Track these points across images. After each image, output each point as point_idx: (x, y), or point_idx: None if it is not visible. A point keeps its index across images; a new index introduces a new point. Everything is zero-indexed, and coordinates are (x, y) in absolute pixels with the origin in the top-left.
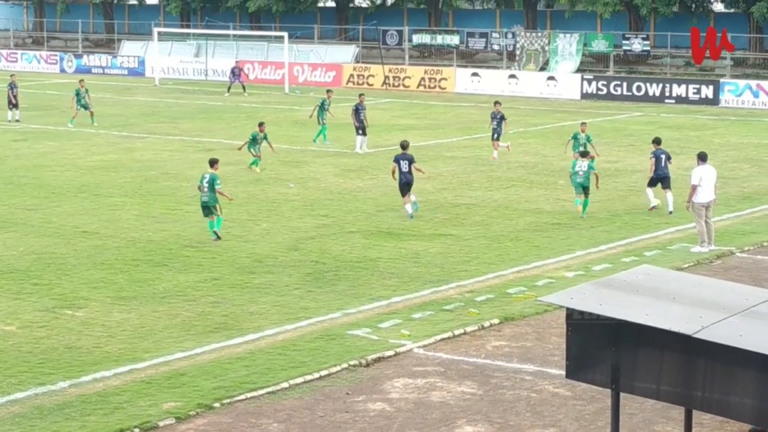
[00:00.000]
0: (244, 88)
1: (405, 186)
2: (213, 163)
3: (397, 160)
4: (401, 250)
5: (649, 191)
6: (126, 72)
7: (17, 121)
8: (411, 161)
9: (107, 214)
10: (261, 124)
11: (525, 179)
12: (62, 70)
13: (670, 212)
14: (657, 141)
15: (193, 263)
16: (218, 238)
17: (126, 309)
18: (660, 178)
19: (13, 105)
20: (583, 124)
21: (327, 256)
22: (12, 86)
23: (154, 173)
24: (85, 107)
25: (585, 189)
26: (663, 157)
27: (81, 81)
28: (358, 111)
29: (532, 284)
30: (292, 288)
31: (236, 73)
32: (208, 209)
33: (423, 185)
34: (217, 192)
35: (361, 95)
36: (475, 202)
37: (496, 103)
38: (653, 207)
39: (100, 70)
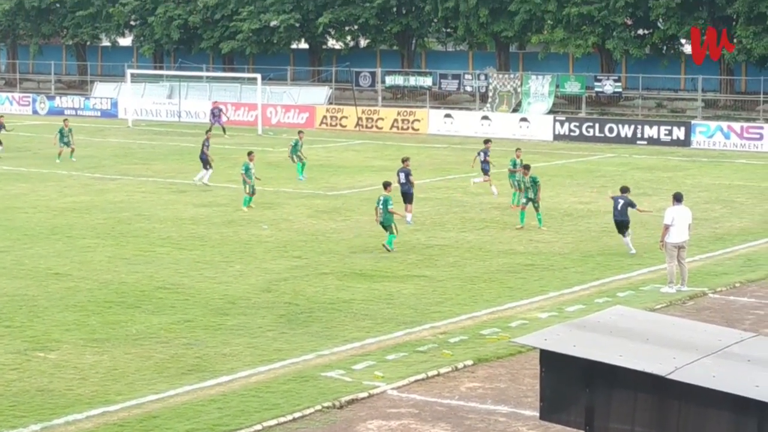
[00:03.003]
0: (224, 130)
1: (403, 196)
2: (386, 185)
3: (397, 173)
4: (375, 292)
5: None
6: (99, 113)
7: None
8: (407, 174)
9: (80, 256)
10: (250, 153)
11: (498, 220)
12: (35, 112)
13: (632, 253)
14: (623, 189)
15: (166, 305)
16: (388, 250)
17: (98, 351)
18: (616, 223)
19: None
20: (518, 150)
21: (300, 298)
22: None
23: (127, 215)
24: (67, 144)
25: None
26: (621, 202)
27: (65, 120)
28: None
29: (506, 325)
30: (265, 329)
31: (216, 113)
32: (384, 228)
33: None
34: (389, 211)
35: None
36: (448, 243)
37: (485, 141)
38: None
39: (73, 112)
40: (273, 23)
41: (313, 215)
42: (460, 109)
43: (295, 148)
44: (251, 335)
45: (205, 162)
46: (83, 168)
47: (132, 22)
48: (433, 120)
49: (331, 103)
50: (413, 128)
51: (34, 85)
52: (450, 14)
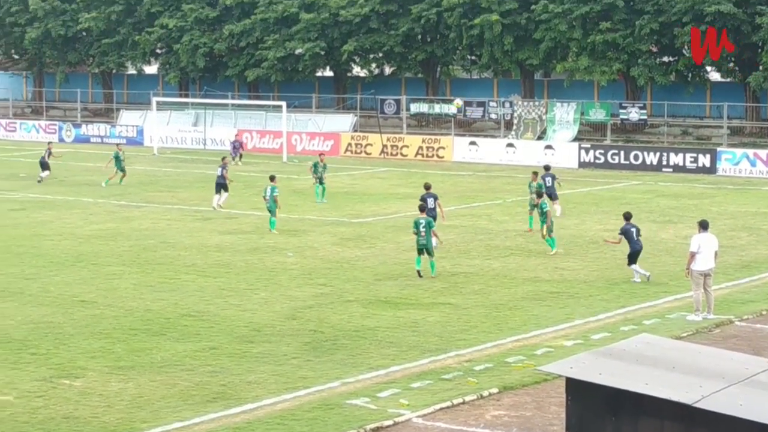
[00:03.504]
0: (240, 157)
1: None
2: (423, 209)
3: (423, 198)
4: (400, 319)
5: (635, 267)
6: (125, 141)
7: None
8: (436, 198)
9: (105, 284)
10: (273, 178)
11: (523, 248)
12: (61, 140)
13: (648, 277)
14: (627, 216)
15: (191, 332)
16: (419, 275)
17: (124, 378)
18: (637, 252)
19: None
20: (534, 173)
21: (325, 325)
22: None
23: (152, 242)
24: (123, 170)
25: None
26: (633, 230)
27: (119, 145)
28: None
29: (531, 353)
30: (290, 357)
31: (236, 146)
32: (427, 251)
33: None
34: (432, 234)
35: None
36: (473, 270)
37: (546, 167)
38: (646, 277)
39: (99, 140)
40: (298, 51)
41: (338, 243)
42: (485, 136)
43: (315, 169)
44: (276, 363)
45: (222, 186)
46: (109, 195)
47: (158, 50)
48: (457, 147)
49: (356, 131)
50: (438, 156)
51: (60, 113)
52: (475, 42)
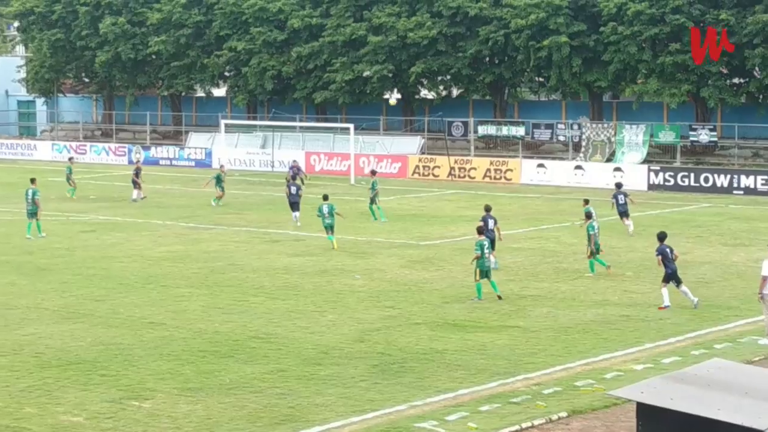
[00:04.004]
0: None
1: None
2: (481, 231)
3: (484, 219)
4: (468, 342)
5: (665, 290)
6: (193, 163)
7: (140, 199)
8: (496, 221)
9: (174, 305)
10: (326, 197)
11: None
12: (130, 162)
13: (695, 305)
14: (661, 236)
15: (260, 354)
16: (500, 298)
17: (192, 400)
18: (674, 273)
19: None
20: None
21: (393, 348)
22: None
23: (220, 264)
24: (223, 190)
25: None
26: (668, 250)
27: (222, 167)
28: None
29: (601, 377)
30: (358, 380)
31: (294, 172)
32: (487, 276)
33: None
34: (486, 256)
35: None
36: (541, 293)
37: (618, 185)
38: (666, 306)
39: (168, 162)
40: (366, 74)
41: (406, 265)
42: (553, 158)
43: (372, 188)
44: (344, 385)
45: (296, 204)
46: (177, 217)
47: (226, 73)
48: (525, 170)
49: (423, 153)
50: (506, 178)
51: (129, 135)
52: (543, 64)
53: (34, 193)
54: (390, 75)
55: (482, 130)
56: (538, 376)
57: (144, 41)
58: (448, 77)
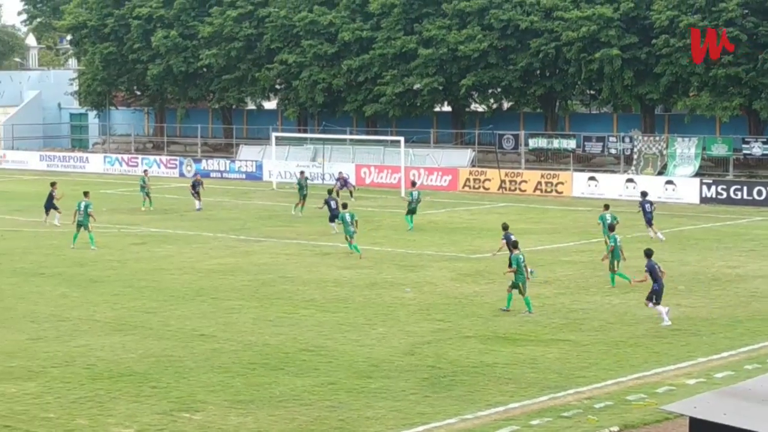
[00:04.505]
0: (351, 193)
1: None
2: (516, 245)
3: (507, 237)
4: (518, 356)
5: (660, 308)
6: (244, 176)
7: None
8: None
9: (224, 318)
10: (345, 206)
11: (644, 285)
12: (181, 174)
13: (665, 324)
14: (648, 253)
15: (310, 367)
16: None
17: (243, 413)
18: (661, 290)
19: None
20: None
21: (443, 361)
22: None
23: (271, 277)
24: (305, 198)
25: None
26: (657, 267)
27: (302, 173)
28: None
29: (653, 391)
30: (408, 393)
31: (341, 183)
32: (521, 287)
33: (540, 290)
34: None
35: None
36: (593, 307)
37: (643, 194)
38: (667, 325)
39: (219, 174)
40: (416, 86)
41: (456, 278)
42: (605, 171)
43: (412, 197)
44: (394, 398)
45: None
46: (228, 230)
47: (277, 86)
48: (577, 183)
49: (474, 166)
50: (557, 191)
51: (180, 148)
52: (594, 76)
53: (86, 206)
54: (440, 88)
55: (533, 142)
56: (590, 390)
57: (195, 54)
58: (499, 90)
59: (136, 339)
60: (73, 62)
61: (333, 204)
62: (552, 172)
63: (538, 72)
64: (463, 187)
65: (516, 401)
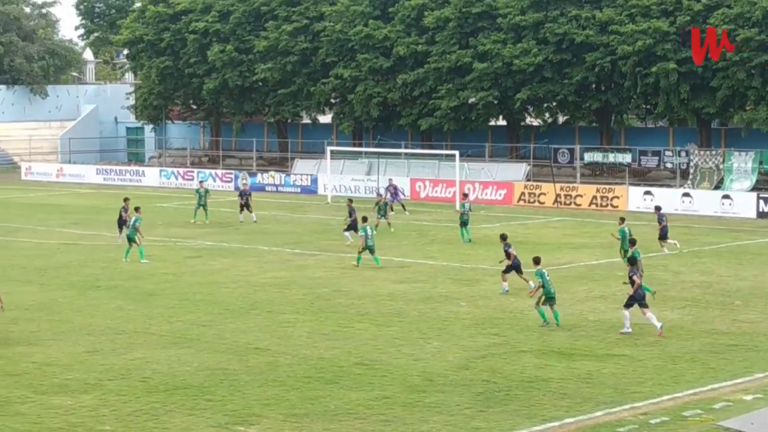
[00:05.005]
0: (403, 206)
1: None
2: (538, 261)
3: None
4: (573, 370)
5: (627, 313)
6: (299, 190)
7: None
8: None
9: (279, 331)
10: (365, 219)
11: (700, 299)
12: (237, 188)
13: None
14: (632, 261)
15: (364, 381)
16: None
17: (298, 426)
18: (643, 297)
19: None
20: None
21: (498, 376)
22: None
23: (325, 290)
24: (384, 216)
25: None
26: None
27: (380, 196)
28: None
29: (709, 407)
30: (463, 407)
31: (392, 191)
32: (552, 300)
33: (595, 304)
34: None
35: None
36: (648, 321)
37: (657, 208)
38: (627, 332)
39: (274, 188)
40: (471, 100)
41: (512, 292)
42: (661, 185)
43: (464, 209)
44: (449, 413)
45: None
46: (283, 244)
47: (332, 100)
48: (632, 197)
49: (529, 180)
50: (612, 205)
51: (236, 161)
52: (650, 90)
53: (135, 221)
54: (495, 102)
55: (588, 156)
56: (645, 406)
57: (251, 68)
58: (554, 104)
59: (192, 352)
60: (129, 76)
61: (354, 215)
62: (607, 187)
63: (594, 86)
64: (518, 201)
65: (571, 416)
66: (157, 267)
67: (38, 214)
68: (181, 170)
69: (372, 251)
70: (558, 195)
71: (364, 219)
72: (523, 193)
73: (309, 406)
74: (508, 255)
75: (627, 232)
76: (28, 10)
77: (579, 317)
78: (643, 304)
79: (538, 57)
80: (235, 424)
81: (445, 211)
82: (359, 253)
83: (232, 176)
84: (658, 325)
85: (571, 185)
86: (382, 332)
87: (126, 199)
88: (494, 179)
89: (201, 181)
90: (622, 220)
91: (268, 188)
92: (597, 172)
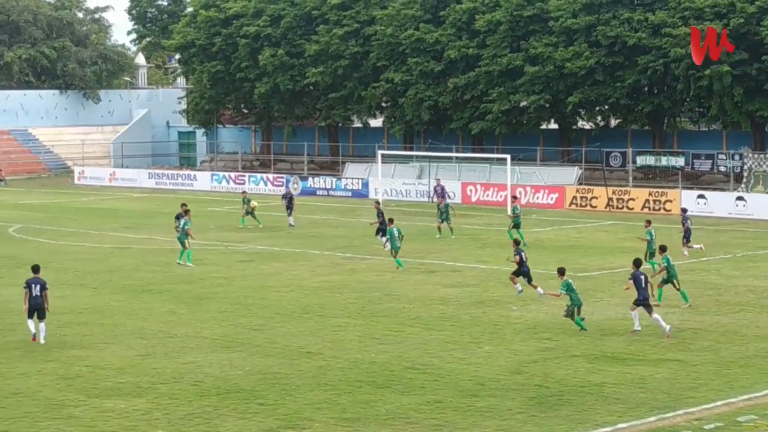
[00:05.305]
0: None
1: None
2: (563, 272)
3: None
4: (626, 375)
5: (635, 314)
6: (350, 194)
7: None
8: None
9: (331, 335)
10: (391, 221)
11: (755, 303)
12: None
13: (668, 332)
14: (637, 263)
15: (416, 385)
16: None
17: (350, 430)
18: (646, 300)
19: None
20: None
21: (551, 380)
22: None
23: (377, 294)
24: (447, 220)
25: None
26: (642, 278)
27: (440, 198)
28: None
29: (764, 413)
30: (515, 412)
31: (439, 192)
32: (579, 308)
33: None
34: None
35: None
36: (702, 326)
37: (683, 210)
38: (636, 330)
39: (325, 192)
40: (523, 104)
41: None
42: (714, 189)
43: (514, 212)
44: (501, 417)
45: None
46: (334, 248)
47: (383, 104)
48: (685, 200)
49: (580, 183)
50: (665, 209)
51: (287, 165)
52: (703, 93)
53: (184, 224)
54: (547, 105)
55: (641, 160)
56: (699, 411)
57: (302, 72)
58: (606, 107)
59: (243, 356)
60: (181, 81)
61: (382, 216)
62: (660, 190)
63: (646, 89)
64: (569, 205)
65: (624, 422)
66: (208, 271)
67: (91, 219)
68: (232, 174)
69: (395, 252)
70: (610, 199)
71: (391, 221)
72: (574, 197)
73: (360, 410)
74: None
75: (653, 234)
76: (81, 15)
77: (632, 322)
78: (647, 306)
79: (590, 60)
80: (287, 428)
81: (497, 215)
82: (395, 257)
83: (284, 180)
84: (667, 327)
85: (623, 189)
86: (433, 336)
87: (183, 205)
88: (546, 183)
89: (244, 192)
90: (649, 222)
91: (319, 192)
92: (649, 176)
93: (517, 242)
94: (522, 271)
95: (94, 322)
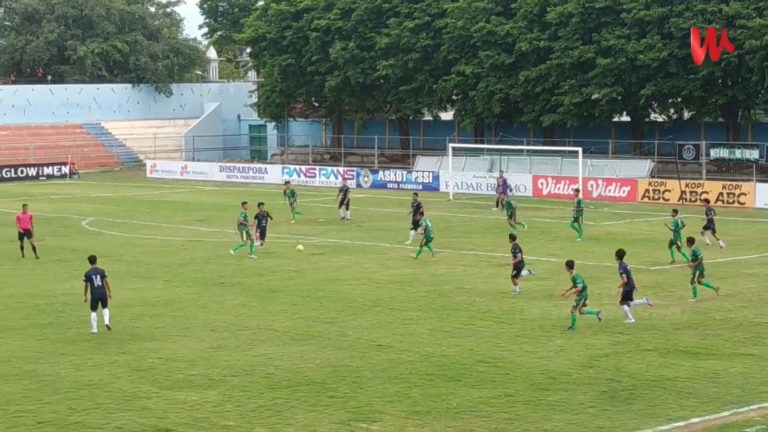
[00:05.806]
0: (497, 203)
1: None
2: (571, 265)
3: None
4: (700, 370)
5: (626, 308)
6: (420, 187)
7: (347, 219)
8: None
9: (402, 328)
10: (422, 213)
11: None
12: (358, 185)
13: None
14: (620, 254)
15: (487, 379)
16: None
17: (420, 424)
18: (631, 291)
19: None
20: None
21: (623, 374)
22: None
23: (447, 288)
24: (512, 216)
25: None
26: (628, 268)
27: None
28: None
29: None
30: (586, 406)
31: (501, 183)
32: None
33: (722, 303)
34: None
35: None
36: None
37: (706, 200)
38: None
39: (395, 185)
40: (595, 96)
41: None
42: None
43: (578, 206)
44: (572, 411)
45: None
46: (405, 240)
47: (454, 97)
48: (760, 193)
49: (653, 176)
50: (739, 202)
51: (358, 158)
52: None
53: (243, 216)
54: (619, 98)
55: (714, 153)
56: None
57: (372, 65)
58: (679, 99)
59: (314, 349)
60: (252, 74)
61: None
62: (734, 183)
63: (720, 81)
64: (642, 198)
65: (697, 416)
66: (279, 264)
67: (163, 212)
68: (303, 167)
69: (429, 241)
70: (683, 192)
71: (422, 213)
72: (647, 190)
73: (431, 403)
74: (515, 256)
75: (680, 223)
76: (152, 9)
77: (705, 315)
78: (628, 295)
79: (662, 52)
80: (358, 420)
81: (568, 209)
82: (420, 246)
83: (354, 173)
84: (632, 320)
85: (696, 182)
86: (504, 330)
87: (260, 204)
88: (618, 176)
89: (287, 182)
90: (675, 211)
91: (389, 185)
92: (723, 169)
93: (512, 237)
94: (518, 267)
95: (165, 315)
